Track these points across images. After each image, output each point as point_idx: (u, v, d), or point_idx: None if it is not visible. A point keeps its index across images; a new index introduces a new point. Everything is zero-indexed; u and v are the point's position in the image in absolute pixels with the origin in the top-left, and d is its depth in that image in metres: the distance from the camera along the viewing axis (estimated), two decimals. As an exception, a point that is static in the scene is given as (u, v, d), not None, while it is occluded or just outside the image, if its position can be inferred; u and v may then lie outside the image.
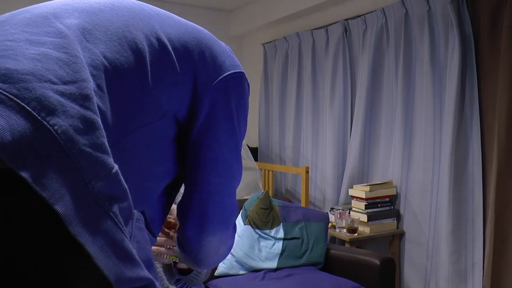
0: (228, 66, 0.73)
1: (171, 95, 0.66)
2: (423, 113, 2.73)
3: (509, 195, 2.32)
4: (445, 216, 2.54)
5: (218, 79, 0.70)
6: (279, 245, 2.64)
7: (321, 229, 2.75)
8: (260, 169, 3.81)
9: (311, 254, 2.66)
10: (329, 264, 2.69)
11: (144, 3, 0.71)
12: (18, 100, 0.46)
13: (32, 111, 0.46)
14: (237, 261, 2.57)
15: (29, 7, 0.63)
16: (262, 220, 2.68)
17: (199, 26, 0.75)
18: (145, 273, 0.52)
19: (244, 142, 3.78)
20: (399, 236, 2.93)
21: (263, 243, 2.64)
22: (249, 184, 3.68)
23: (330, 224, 3.01)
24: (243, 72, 0.76)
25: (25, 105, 0.46)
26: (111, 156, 0.52)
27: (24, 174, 0.43)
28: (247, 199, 2.85)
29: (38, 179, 0.44)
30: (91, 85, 0.52)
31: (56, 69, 0.50)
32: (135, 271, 0.51)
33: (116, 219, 0.50)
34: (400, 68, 2.86)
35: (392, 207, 2.93)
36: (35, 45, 0.52)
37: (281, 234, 2.67)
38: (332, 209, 3.13)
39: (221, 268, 2.55)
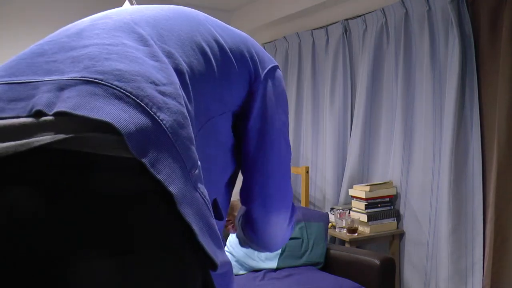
0: (268, 61, 0.83)
1: (232, 91, 0.74)
2: (423, 113, 2.73)
3: (509, 195, 2.32)
4: (445, 216, 2.54)
5: (264, 72, 0.80)
6: (279, 245, 2.64)
7: (321, 229, 2.75)
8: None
9: (311, 254, 2.66)
10: (329, 264, 2.69)
11: (194, 10, 0.78)
12: (134, 97, 0.52)
13: (146, 107, 0.52)
14: (237, 261, 2.57)
15: (105, 12, 0.69)
16: (262, 220, 2.68)
17: (238, 29, 0.85)
18: (227, 258, 0.58)
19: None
20: (399, 236, 2.93)
21: (263, 243, 2.64)
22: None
23: (330, 224, 3.01)
24: (277, 64, 0.86)
25: (140, 102, 0.52)
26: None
27: (144, 161, 0.49)
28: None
29: (155, 165, 0.49)
30: (179, 87, 0.59)
31: (155, 73, 0.56)
32: (223, 255, 0.57)
33: (208, 206, 0.56)
34: (400, 68, 2.86)
35: (392, 207, 2.93)
36: (132, 49, 0.58)
37: (281, 234, 2.67)
38: (332, 209, 3.13)
39: (221, 268, 2.55)
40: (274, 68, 0.83)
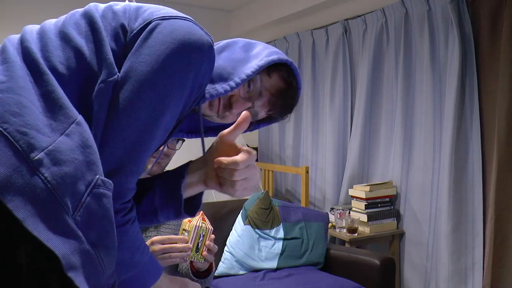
0: (156, 14, 0.73)
1: (113, 51, 0.72)
2: (423, 113, 2.73)
3: (509, 195, 2.32)
4: (445, 216, 2.54)
5: (148, 19, 0.72)
6: (279, 245, 2.64)
7: (321, 229, 2.75)
8: (260, 169, 3.81)
9: (311, 254, 2.66)
10: (329, 264, 2.69)
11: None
12: None
13: None
14: (237, 261, 2.57)
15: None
16: (262, 220, 2.68)
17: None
18: (69, 244, 0.57)
19: (244, 142, 3.78)
20: (399, 236, 2.93)
21: (263, 243, 2.64)
22: (249, 184, 3.68)
23: (330, 224, 3.01)
24: (186, 17, 0.74)
25: None
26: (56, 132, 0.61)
27: None
28: (247, 199, 2.85)
29: None
30: (26, 79, 0.65)
31: None
32: (69, 245, 0.57)
33: (53, 190, 0.57)
34: (400, 68, 2.86)
35: (392, 207, 2.93)
36: None
37: (281, 234, 2.67)
38: (332, 209, 3.13)
39: (221, 268, 2.55)
40: (171, 16, 0.73)
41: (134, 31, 0.72)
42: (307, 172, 3.25)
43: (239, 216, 2.73)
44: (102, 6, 0.77)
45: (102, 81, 0.69)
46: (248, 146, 3.89)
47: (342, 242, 2.99)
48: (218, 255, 2.58)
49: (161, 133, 0.73)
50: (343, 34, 3.28)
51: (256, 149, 4.26)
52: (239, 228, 2.66)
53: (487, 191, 2.46)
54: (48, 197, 0.56)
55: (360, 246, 3.02)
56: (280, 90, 0.88)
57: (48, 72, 0.66)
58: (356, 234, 2.83)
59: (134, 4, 0.78)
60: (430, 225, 2.72)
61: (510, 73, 2.28)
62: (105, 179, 0.65)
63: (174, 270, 1.60)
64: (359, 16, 3.15)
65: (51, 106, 0.64)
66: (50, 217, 0.56)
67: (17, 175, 0.55)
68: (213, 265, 1.43)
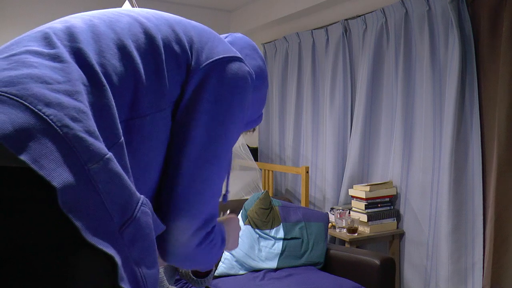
0: (220, 52, 0.76)
1: (167, 85, 0.70)
2: (423, 113, 2.73)
3: (509, 195, 2.32)
4: (445, 216, 2.54)
5: (207, 62, 0.74)
6: (279, 245, 2.64)
7: (321, 229, 2.75)
8: (260, 169, 3.81)
9: (311, 254, 2.66)
10: (329, 264, 2.69)
11: (132, 9, 0.76)
12: (17, 98, 0.53)
13: (30, 105, 0.53)
14: (237, 261, 2.57)
15: (38, 28, 0.72)
16: (262, 220, 2.68)
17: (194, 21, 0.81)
18: (111, 250, 0.55)
19: (244, 142, 3.78)
20: (399, 236, 2.93)
21: (263, 243, 2.64)
22: (249, 184, 3.68)
23: (330, 224, 3.01)
24: (237, 57, 0.77)
25: (23, 101, 0.53)
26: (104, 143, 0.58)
27: (23, 157, 0.49)
28: (247, 199, 2.85)
29: (37, 160, 0.50)
30: (82, 84, 0.60)
31: (50, 74, 0.58)
32: (108, 247, 0.55)
33: (105, 202, 0.55)
34: (400, 68, 2.86)
35: (392, 207, 2.93)
36: (32, 54, 0.61)
37: (281, 234, 2.67)
38: (332, 209, 3.13)
39: (221, 268, 2.55)
40: (227, 59, 0.76)
41: (196, 79, 0.74)
42: (307, 172, 3.25)
43: (239, 216, 2.73)
44: (163, 28, 0.74)
45: (151, 113, 0.68)
46: (248, 146, 3.90)
47: (342, 242, 2.99)
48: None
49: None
50: (343, 34, 3.28)
51: (256, 149, 4.26)
52: (239, 228, 2.66)
53: (487, 191, 2.46)
54: (100, 209, 0.54)
55: (360, 246, 3.02)
56: None
57: (106, 83, 0.62)
58: (356, 234, 2.83)
59: (196, 35, 0.76)
60: (430, 225, 2.72)
61: (510, 73, 2.28)
62: (148, 200, 0.65)
63: (174, 270, 1.60)
64: (359, 16, 3.15)
65: (103, 118, 0.60)
66: (101, 229, 0.54)
67: (74, 183, 0.52)
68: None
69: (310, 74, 3.64)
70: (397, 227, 2.94)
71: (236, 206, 2.80)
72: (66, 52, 0.62)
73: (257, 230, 2.66)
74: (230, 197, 3.27)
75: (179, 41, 0.73)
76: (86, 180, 0.53)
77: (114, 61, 0.65)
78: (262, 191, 2.90)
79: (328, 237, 2.88)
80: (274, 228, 2.69)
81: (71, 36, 0.65)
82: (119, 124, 0.62)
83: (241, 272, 2.56)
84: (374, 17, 3.03)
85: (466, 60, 2.49)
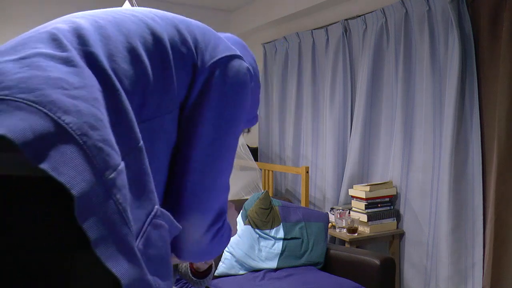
0: (223, 50, 0.78)
1: (175, 86, 0.71)
2: (423, 113, 2.73)
3: (509, 195, 2.32)
4: (445, 216, 2.54)
5: (212, 61, 0.75)
6: (279, 245, 2.64)
7: (321, 229, 2.75)
8: (260, 169, 3.81)
9: (311, 254, 2.66)
10: (329, 264, 2.69)
11: (134, 9, 0.76)
12: (35, 105, 0.52)
13: (49, 112, 0.52)
14: (237, 261, 2.57)
15: (37, 27, 0.69)
16: (262, 220, 2.68)
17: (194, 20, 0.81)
18: (134, 272, 0.54)
19: (244, 142, 3.78)
20: (399, 236, 2.93)
21: (263, 243, 2.64)
22: (249, 184, 3.68)
23: (330, 224, 3.01)
24: (237, 55, 0.79)
25: (42, 108, 0.52)
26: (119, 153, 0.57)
27: (43, 166, 0.48)
28: (247, 199, 2.85)
29: (56, 168, 0.49)
30: (97, 89, 0.58)
31: (66, 78, 0.56)
32: (140, 273, 0.54)
33: (123, 214, 0.54)
34: (400, 68, 2.86)
35: (392, 207, 2.93)
36: (44, 58, 0.59)
37: (281, 234, 2.67)
38: (332, 209, 3.13)
39: (221, 268, 2.55)
40: (230, 57, 0.78)
41: (204, 77, 0.75)
42: (307, 172, 3.25)
43: (239, 216, 2.73)
44: (168, 29, 0.74)
45: (159, 115, 0.68)
46: (248, 146, 3.90)
47: (342, 242, 2.99)
48: (218, 255, 2.58)
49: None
50: (343, 34, 3.28)
51: (256, 149, 4.26)
52: (239, 228, 2.66)
53: (487, 191, 2.46)
54: (119, 220, 0.53)
55: (360, 246, 3.02)
56: None
57: (120, 88, 0.61)
58: (356, 234, 2.83)
59: (199, 35, 0.77)
60: (430, 225, 2.72)
61: (510, 73, 2.28)
62: (164, 210, 0.64)
63: (173, 269, 1.60)
64: (359, 16, 3.15)
65: (120, 124, 0.59)
66: (119, 241, 0.52)
67: (92, 192, 0.51)
68: (213, 265, 1.43)
69: (310, 74, 3.64)
70: (397, 227, 2.94)
71: (236, 206, 2.80)
72: (77, 56, 0.61)
73: (257, 230, 2.66)
74: (230, 197, 3.27)
75: (184, 41, 0.74)
76: (103, 190, 0.52)
77: (124, 65, 0.64)
78: (262, 191, 2.90)
79: (328, 237, 2.88)
80: (274, 228, 2.69)
81: (80, 39, 0.63)
82: (137, 128, 0.61)
83: (241, 272, 2.56)
84: (374, 17, 3.03)
85: (466, 60, 2.49)
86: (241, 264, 2.57)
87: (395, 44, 2.92)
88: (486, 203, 2.47)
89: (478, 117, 2.47)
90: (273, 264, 2.58)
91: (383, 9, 2.94)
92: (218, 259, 2.57)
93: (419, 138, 2.78)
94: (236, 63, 0.78)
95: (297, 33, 3.74)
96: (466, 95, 2.51)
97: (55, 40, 0.62)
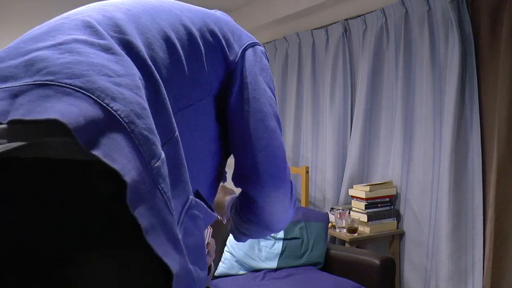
0: (246, 38, 0.83)
1: (207, 74, 0.73)
2: (423, 113, 2.73)
3: (509, 195, 2.32)
4: (445, 216, 2.54)
5: (242, 49, 0.80)
6: (279, 245, 2.64)
7: (321, 229, 2.75)
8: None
9: (311, 254, 2.66)
10: (329, 264, 2.69)
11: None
12: (84, 91, 0.51)
13: (98, 99, 0.51)
14: (237, 261, 2.57)
15: (66, 13, 0.69)
16: (262, 220, 2.68)
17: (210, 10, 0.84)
18: (191, 267, 0.56)
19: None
20: (399, 236, 2.93)
21: (263, 243, 2.64)
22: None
23: (330, 224, 3.01)
24: (257, 42, 0.86)
25: (91, 95, 0.51)
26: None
27: (96, 152, 0.48)
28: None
29: (109, 155, 0.48)
30: (138, 78, 0.58)
31: (109, 65, 0.56)
32: (184, 262, 0.54)
33: (168, 202, 0.54)
34: (400, 68, 2.86)
35: (392, 207, 2.93)
36: (84, 44, 0.58)
37: (281, 234, 2.67)
38: (332, 209, 3.13)
39: (221, 268, 2.55)
40: (253, 44, 0.83)
41: (235, 65, 0.79)
42: (307, 172, 3.25)
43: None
44: (195, 20, 0.76)
45: (193, 103, 0.70)
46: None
47: (342, 242, 2.99)
48: (218, 255, 2.58)
49: None
50: (343, 34, 3.28)
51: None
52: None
53: (487, 191, 2.46)
54: (164, 208, 0.53)
55: (360, 246, 3.02)
56: None
57: (159, 78, 0.61)
58: (356, 234, 2.83)
59: (224, 25, 0.80)
60: (430, 225, 2.72)
61: (510, 73, 2.28)
62: (198, 200, 0.65)
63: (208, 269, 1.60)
64: (359, 16, 3.15)
65: (159, 114, 0.59)
66: (167, 230, 0.52)
67: (141, 181, 0.50)
68: (213, 265, 1.43)
69: (310, 74, 3.64)
70: (397, 227, 2.94)
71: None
72: (116, 44, 0.60)
73: (257, 230, 2.66)
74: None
75: (212, 32, 0.76)
76: (150, 179, 0.52)
77: (162, 54, 0.65)
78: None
79: (328, 237, 2.88)
80: (274, 228, 2.69)
81: (117, 27, 0.62)
82: (173, 119, 0.62)
83: (241, 272, 2.56)
84: (374, 17, 3.03)
85: (466, 60, 2.49)
86: (241, 264, 2.57)
87: (395, 44, 2.92)
88: (486, 203, 2.47)
89: (478, 117, 2.47)
90: (273, 264, 2.58)
91: (383, 9, 2.94)
92: (218, 259, 2.57)
93: (419, 138, 2.78)
94: (258, 48, 0.84)
95: (297, 33, 3.74)
96: (466, 95, 2.51)
97: (90, 27, 0.61)
